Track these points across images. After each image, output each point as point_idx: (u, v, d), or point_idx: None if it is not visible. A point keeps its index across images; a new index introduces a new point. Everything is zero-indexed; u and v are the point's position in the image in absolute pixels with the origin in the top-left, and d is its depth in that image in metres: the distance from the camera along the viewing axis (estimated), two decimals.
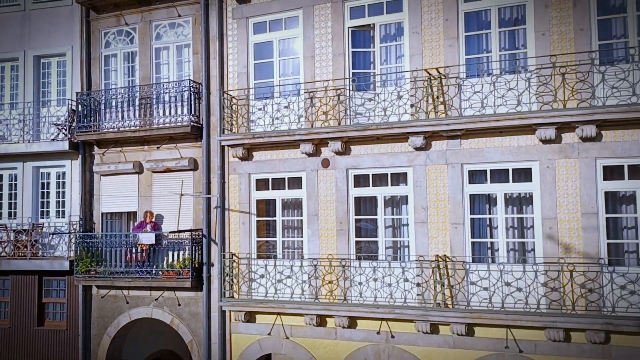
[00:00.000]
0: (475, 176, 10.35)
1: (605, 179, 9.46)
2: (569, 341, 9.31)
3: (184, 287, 12.06)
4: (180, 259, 12.26)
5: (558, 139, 9.59)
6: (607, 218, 9.45)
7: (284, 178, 11.76)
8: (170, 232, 12.32)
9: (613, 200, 9.58)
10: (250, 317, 11.59)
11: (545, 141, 9.62)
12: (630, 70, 9.17)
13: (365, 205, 11.26)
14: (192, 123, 12.31)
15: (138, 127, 12.87)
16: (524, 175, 10.02)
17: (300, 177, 11.57)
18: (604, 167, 9.45)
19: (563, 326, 9.18)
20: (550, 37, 9.81)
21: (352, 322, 10.72)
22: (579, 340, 9.25)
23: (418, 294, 10.26)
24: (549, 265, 9.43)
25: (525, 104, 9.74)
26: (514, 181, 10.06)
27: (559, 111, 9.38)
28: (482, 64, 10.44)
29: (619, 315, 8.94)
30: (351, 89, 11.10)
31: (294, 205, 11.83)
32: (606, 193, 9.46)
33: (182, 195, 12.24)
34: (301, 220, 11.61)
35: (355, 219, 11.15)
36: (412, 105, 10.56)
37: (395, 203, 11.10)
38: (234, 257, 11.76)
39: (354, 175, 11.17)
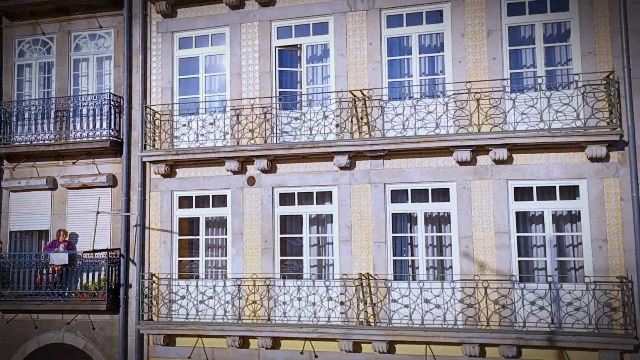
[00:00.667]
0: (398, 195, 10.62)
1: (516, 199, 10.00)
2: (484, 356, 9.65)
3: (99, 309, 11.44)
4: (96, 280, 11.65)
5: (473, 161, 10.05)
6: (518, 237, 9.97)
7: (209, 196, 11.53)
8: (85, 252, 11.69)
9: (524, 220, 10.13)
10: (169, 340, 11.16)
11: (461, 163, 10.06)
12: (538, 98, 9.82)
13: (291, 223, 11.23)
14: (111, 138, 11.84)
15: (53, 141, 12.21)
16: (442, 195, 10.40)
17: (225, 195, 11.38)
18: (515, 189, 10.00)
19: (478, 341, 9.52)
20: (466, 65, 10.33)
21: (276, 343, 10.58)
22: (493, 355, 9.62)
23: (341, 313, 10.31)
24: (465, 282, 9.79)
25: (443, 127, 10.16)
26: (433, 201, 10.41)
27: (474, 134, 9.85)
28: (404, 88, 10.81)
29: (530, 330, 9.39)
30: (278, 107, 11.13)
31: (218, 224, 11.61)
32: (517, 213, 10.00)
33: (98, 213, 11.68)
34: (225, 238, 11.40)
35: (281, 238, 11.09)
36: (337, 125, 10.73)
37: (321, 221, 11.16)
38: (154, 278, 11.32)
39: (280, 194, 11.14)
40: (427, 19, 10.71)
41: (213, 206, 11.51)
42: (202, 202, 11.60)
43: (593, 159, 9.53)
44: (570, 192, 9.86)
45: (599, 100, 9.50)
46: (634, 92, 9.53)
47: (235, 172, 11.16)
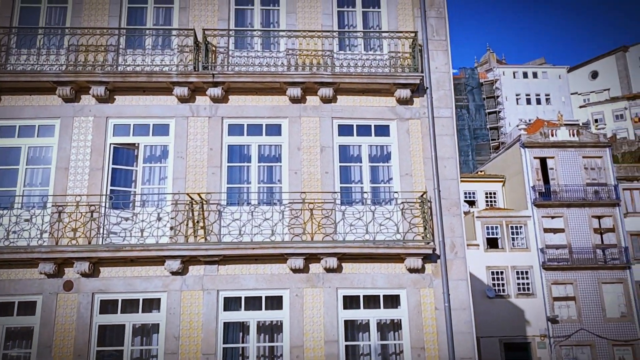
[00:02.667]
0: (231, 303, 10.34)
1: (345, 307, 10.34)
2: None
3: None
4: None
5: (306, 269, 10.31)
6: (346, 345, 10.19)
7: (14, 302, 10.07)
8: None
9: (352, 328, 10.44)
10: None
11: (295, 270, 10.25)
12: (365, 212, 10.62)
13: (111, 333, 10.19)
14: None
15: None
16: (276, 303, 10.37)
17: (35, 302, 10.05)
18: (344, 297, 10.38)
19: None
20: (301, 176, 10.91)
21: None
22: None
23: None
24: None
25: (279, 234, 10.38)
26: (266, 309, 10.31)
27: (307, 243, 10.21)
28: (242, 194, 10.98)
29: None
30: (107, 206, 10.48)
31: (23, 335, 10.08)
32: (346, 321, 10.30)
33: None
34: (29, 353, 9.88)
35: (98, 351, 9.94)
36: (171, 228, 10.37)
37: (146, 331, 10.30)
38: None
39: (101, 300, 10.15)
40: (267, 130, 11.27)
41: (18, 314, 10.04)
42: (5, 309, 10.06)
43: (411, 270, 10.38)
44: (393, 301, 10.51)
45: (415, 216, 10.56)
46: (444, 211, 10.81)
47: (49, 276, 10.00)
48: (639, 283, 30.82)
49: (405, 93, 11.18)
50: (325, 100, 11.28)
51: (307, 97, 11.30)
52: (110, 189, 10.75)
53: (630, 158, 54.04)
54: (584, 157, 32.70)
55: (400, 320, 10.34)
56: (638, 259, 31.28)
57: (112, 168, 10.89)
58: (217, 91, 10.94)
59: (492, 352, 29.41)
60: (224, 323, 10.19)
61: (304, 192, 10.55)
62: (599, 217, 31.79)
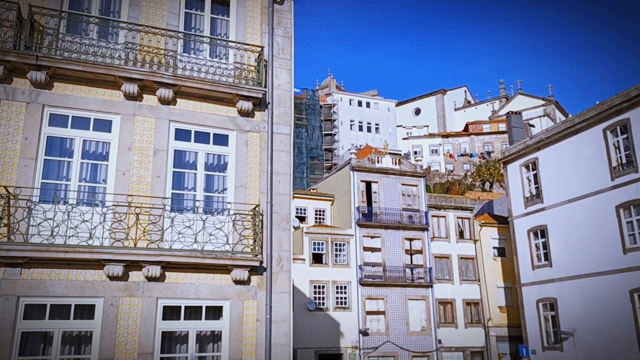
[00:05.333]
0: (33, 311, 9.26)
1: (164, 318, 9.92)
2: None
3: None
4: None
5: (125, 277, 9.70)
6: (161, 358, 9.75)
7: None
8: None
9: (169, 340, 10.04)
10: None
11: (112, 278, 9.58)
12: (195, 220, 10.37)
13: None
14: None
15: None
16: (87, 311, 9.55)
17: None
18: (165, 307, 9.96)
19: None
20: (130, 178, 10.29)
21: None
22: None
23: None
24: None
25: (98, 238, 9.62)
26: (75, 318, 9.44)
27: (130, 249, 9.63)
28: (59, 191, 9.98)
29: None
30: None
31: None
32: (163, 332, 9.88)
33: None
34: None
35: None
36: None
37: None
38: None
39: None
40: (95, 125, 10.44)
41: None
42: None
43: (237, 282, 10.38)
44: (216, 313, 10.38)
45: (246, 228, 10.62)
46: (274, 225, 11.05)
47: None
48: (438, 300, 34.73)
49: (247, 105, 11.26)
50: (164, 101, 10.85)
51: (145, 96, 10.76)
52: None
53: (440, 189, 61.16)
54: (402, 184, 36.05)
55: (221, 331, 10.23)
56: (439, 279, 35.28)
57: None
58: (39, 75, 9.85)
59: None
60: (23, 333, 9.08)
61: (131, 195, 9.96)
62: (410, 240, 35.21)
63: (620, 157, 24.95)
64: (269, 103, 11.64)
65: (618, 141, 25.17)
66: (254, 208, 10.69)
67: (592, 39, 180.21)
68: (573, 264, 26.73)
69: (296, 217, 36.93)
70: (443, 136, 76.35)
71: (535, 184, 30.16)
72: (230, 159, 11.26)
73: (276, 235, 11.04)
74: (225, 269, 10.35)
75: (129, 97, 10.59)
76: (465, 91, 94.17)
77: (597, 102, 26.84)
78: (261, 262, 10.52)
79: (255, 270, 10.58)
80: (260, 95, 11.31)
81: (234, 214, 10.57)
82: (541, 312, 28.76)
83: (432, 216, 36.57)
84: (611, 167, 25.14)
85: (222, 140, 11.30)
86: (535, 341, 28.77)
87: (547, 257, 28.71)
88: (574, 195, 27.09)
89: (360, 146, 56.03)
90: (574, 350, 26.23)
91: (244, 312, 10.36)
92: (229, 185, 11.12)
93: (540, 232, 29.31)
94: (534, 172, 30.25)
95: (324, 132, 72.57)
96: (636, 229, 23.70)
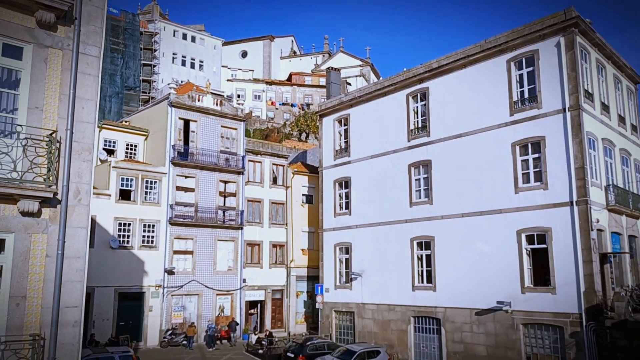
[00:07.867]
0: None
1: None
2: None
3: None
4: None
5: None
6: None
7: None
8: None
9: None
10: None
11: None
12: (15, 147, 9.04)
13: None
14: None
15: None
16: None
17: None
18: None
19: None
20: None
21: None
22: None
23: None
24: None
25: None
26: None
27: None
28: None
29: None
30: None
31: None
32: None
33: None
34: None
35: None
36: None
37: None
38: None
39: None
40: None
41: None
42: None
43: (24, 213, 9.38)
44: None
45: (40, 155, 9.56)
46: (74, 155, 10.13)
47: None
48: (246, 242, 35.85)
49: (48, 16, 9.91)
50: None
51: None
52: None
53: (259, 135, 62.08)
54: (222, 126, 35.69)
55: (2, 266, 9.23)
56: (250, 222, 36.31)
57: None
58: None
59: (107, 301, 29.40)
60: None
61: None
62: (225, 182, 35.37)
63: (417, 121, 28.07)
64: (76, 18, 10.40)
65: (417, 107, 28.21)
66: (51, 134, 9.65)
67: (412, 8, 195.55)
68: (368, 213, 29.75)
69: (104, 149, 34.33)
70: (267, 83, 76.94)
71: (345, 139, 32.43)
72: (24, 75, 9.88)
73: (75, 166, 10.16)
74: (11, 199, 9.25)
75: None
76: (292, 41, 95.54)
77: (405, 69, 29.58)
78: (55, 193, 9.63)
79: (47, 202, 9.66)
80: (66, 8, 10.02)
81: (25, 138, 9.41)
82: (337, 255, 31.65)
83: (249, 161, 37.13)
84: (409, 130, 28.17)
85: (14, 52, 9.83)
86: (330, 280, 31.71)
87: (347, 206, 31.44)
88: (375, 152, 29.84)
89: (181, 82, 53.66)
90: (360, 288, 29.59)
91: (32, 246, 9.45)
92: (21, 106, 9.80)
93: (345, 182, 31.86)
94: (345, 127, 32.45)
95: (142, 62, 67.56)
96: (422, 185, 27.17)
